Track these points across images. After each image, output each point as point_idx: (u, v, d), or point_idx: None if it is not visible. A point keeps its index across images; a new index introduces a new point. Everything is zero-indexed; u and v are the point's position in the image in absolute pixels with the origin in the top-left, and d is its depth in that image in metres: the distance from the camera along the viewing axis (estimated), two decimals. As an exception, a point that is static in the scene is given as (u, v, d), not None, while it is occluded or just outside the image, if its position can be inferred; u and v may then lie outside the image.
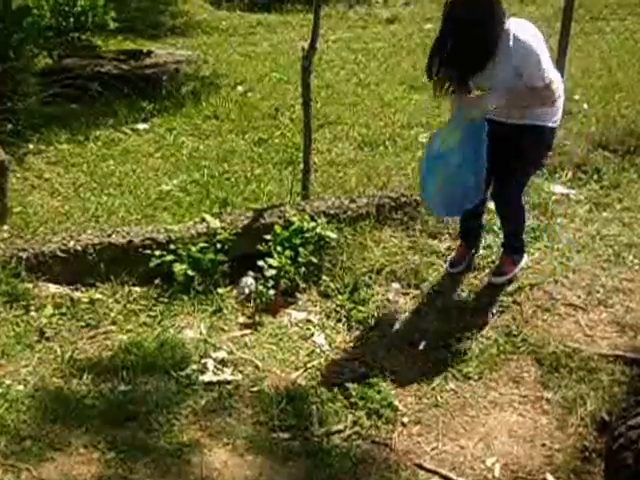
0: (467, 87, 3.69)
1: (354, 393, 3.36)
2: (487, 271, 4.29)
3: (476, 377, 3.48)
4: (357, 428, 3.19)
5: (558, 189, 5.24)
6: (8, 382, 3.33)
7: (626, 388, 3.35)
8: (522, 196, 4.01)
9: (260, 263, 4.07)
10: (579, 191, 5.25)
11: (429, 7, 12.62)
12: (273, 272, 4.06)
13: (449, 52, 3.47)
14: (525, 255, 4.15)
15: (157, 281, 4.09)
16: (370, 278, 4.15)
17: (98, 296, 3.99)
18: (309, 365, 3.55)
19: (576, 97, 7.03)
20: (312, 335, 3.77)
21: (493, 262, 4.35)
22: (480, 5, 3.46)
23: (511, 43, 3.45)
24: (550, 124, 3.75)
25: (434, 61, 3.55)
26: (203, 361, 3.55)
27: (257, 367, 3.54)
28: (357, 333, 3.82)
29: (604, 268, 4.30)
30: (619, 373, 3.45)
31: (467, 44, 3.42)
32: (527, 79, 3.51)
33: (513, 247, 4.10)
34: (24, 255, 4.03)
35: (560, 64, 5.47)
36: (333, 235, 4.26)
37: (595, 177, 5.41)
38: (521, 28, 3.52)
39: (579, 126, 6.29)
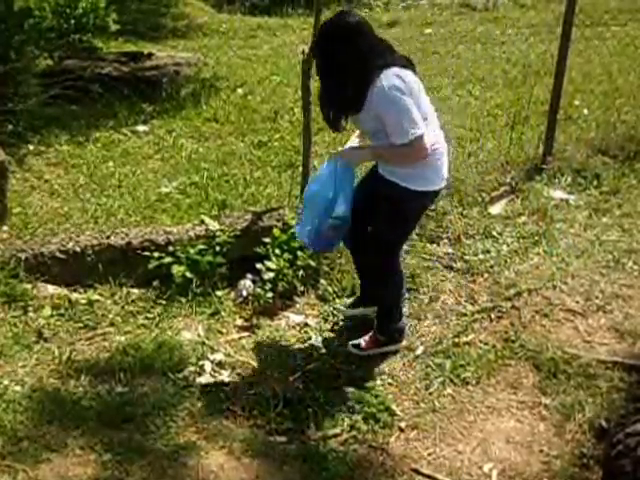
0: (339, 126, 3.44)
1: (351, 397, 3.36)
2: (486, 276, 4.29)
3: (474, 382, 3.48)
4: (354, 432, 3.18)
5: (557, 194, 5.24)
6: (5, 382, 3.32)
7: (625, 395, 3.35)
8: (391, 265, 3.58)
9: (258, 266, 4.07)
10: (578, 196, 5.26)
11: (429, 11, 12.65)
12: (271, 275, 4.06)
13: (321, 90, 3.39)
14: (401, 342, 3.68)
15: (155, 283, 4.08)
16: (369, 282, 4.14)
17: (96, 297, 3.98)
18: (306, 368, 3.54)
19: (576, 102, 7.05)
20: (310, 338, 3.76)
21: (492, 267, 4.35)
22: (346, 44, 3.23)
23: (376, 90, 3.18)
24: (412, 187, 3.36)
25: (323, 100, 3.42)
26: (200, 363, 3.55)
27: (254, 370, 3.54)
28: (355, 337, 3.80)
29: (603, 274, 4.30)
30: (618, 379, 3.45)
31: (329, 79, 3.31)
32: (388, 131, 3.23)
33: (380, 325, 3.66)
34: (23, 256, 4.03)
35: (560, 69, 5.49)
36: (332, 238, 4.25)
37: (595, 183, 5.42)
38: (393, 77, 3.19)
39: (579, 131, 6.30)
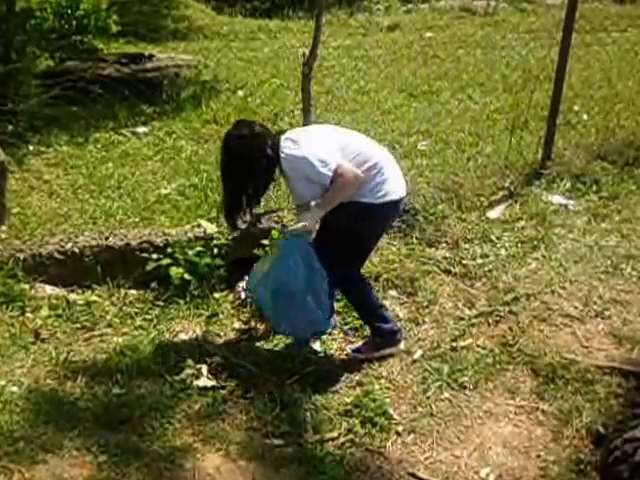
0: (235, 224, 3.63)
1: (349, 401, 3.35)
2: (484, 280, 4.29)
3: (471, 387, 3.47)
4: (351, 436, 3.18)
5: (556, 199, 5.24)
6: (2, 383, 3.31)
7: (622, 400, 3.34)
8: (359, 280, 3.66)
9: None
10: (577, 202, 5.26)
11: (430, 15, 12.68)
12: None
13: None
14: (399, 345, 3.68)
15: (153, 284, 4.08)
16: (367, 285, 4.13)
17: (94, 298, 3.98)
18: (304, 372, 3.54)
19: (576, 108, 7.06)
20: (308, 342, 3.76)
21: (490, 271, 4.35)
22: (240, 142, 3.43)
23: (283, 162, 3.39)
24: (365, 200, 3.43)
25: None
26: (198, 366, 3.54)
27: (252, 373, 3.53)
28: (353, 340, 3.80)
29: (602, 279, 4.30)
30: (615, 385, 3.44)
31: (226, 185, 3.52)
32: (318, 180, 3.36)
33: (375, 330, 3.69)
34: (21, 256, 4.03)
35: (560, 75, 5.49)
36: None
37: (594, 188, 5.42)
38: (286, 142, 3.42)
39: (578, 137, 6.30)
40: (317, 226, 3.53)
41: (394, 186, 3.50)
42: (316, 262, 3.49)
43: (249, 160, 3.42)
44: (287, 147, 3.41)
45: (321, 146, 3.40)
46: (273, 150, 3.42)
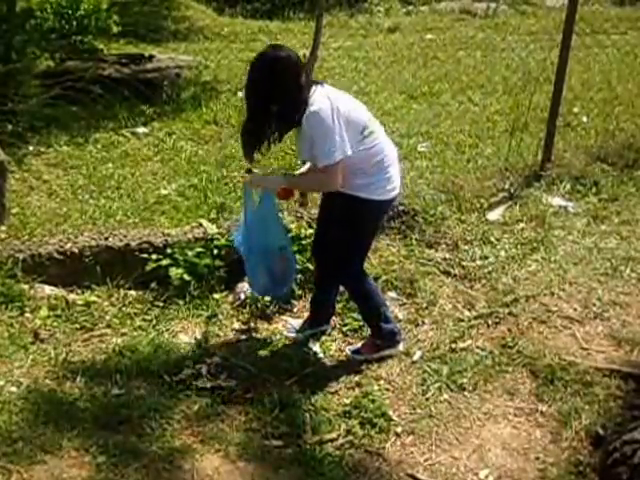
0: (251, 157, 3.46)
1: (348, 402, 3.35)
2: (483, 282, 4.29)
3: (471, 388, 3.47)
4: (350, 437, 3.17)
5: (556, 201, 5.25)
6: (1, 383, 3.31)
7: (621, 402, 3.34)
8: (361, 276, 3.63)
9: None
10: (577, 204, 5.26)
11: (430, 17, 12.68)
12: (269, 278, 4.05)
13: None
14: (398, 346, 3.68)
15: (153, 285, 4.08)
16: (366, 286, 4.13)
17: (94, 299, 3.98)
18: (303, 373, 3.53)
19: (576, 110, 7.07)
20: (307, 342, 3.76)
21: (489, 273, 4.35)
22: (268, 66, 3.26)
23: (307, 112, 3.21)
24: (363, 195, 3.37)
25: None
26: (197, 366, 3.54)
27: (251, 374, 3.53)
28: (352, 342, 3.80)
29: (601, 281, 4.30)
30: (615, 387, 3.44)
31: (252, 105, 3.33)
32: (315, 154, 3.27)
33: (375, 331, 3.68)
34: (21, 256, 4.02)
35: (560, 77, 5.50)
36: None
37: (593, 190, 5.43)
38: (317, 100, 3.24)
39: (578, 139, 6.31)
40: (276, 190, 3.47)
41: (395, 183, 3.48)
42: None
43: (281, 80, 3.23)
44: (319, 103, 3.22)
45: (343, 130, 3.22)
46: (302, 89, 3.25)
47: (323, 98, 3.25)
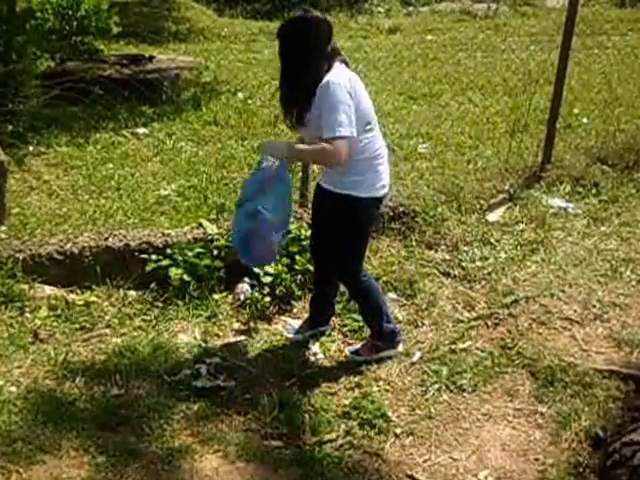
0: (291, 123, 3.40)
1: (347, 402, 3.35)
2: (483, 283, 4.29)
3: (470, 389, 3.47)
4: (349, 438, 3.17)
5: (556, 202, 5.25)
6: (1, 383, 3.31)
7: (621, 404, 3.34)
8: (361, 275, 3.59)
9: (256, 270, 4.06)
10: (577, 205, 5.26)
11: (430, 18, 12.70)
12: (269, 279, 4.06)
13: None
14: (398, 347, 3.68)
15: (153, 285, 4.08)
16: (366, 287, 4.13)
17: (93, 299, 3.98)
18: (303, 373, 3.53)
19: (576, 111, 7.07)
20: (307, 343, 3.76)
21: (489, 274, 4.35)
22: (298, 42, 3.26)
23: (322, 84, 3.18)
24: (358, 194, 3.36)
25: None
26: (197, 366, 3.54)
27: (250, 374, 3.53)
28: (352, 342, 3.80)
29: (601, 282, 4.31)
30: (614, 389, 3.44)
31: (284, 74, 3.32)
32: (321, 124, 3.18)
33: (375, 332, 3.67)
34: (20, 256, 4.02)
35: (560, 78, 5.50)
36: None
37: (593, 191, 5.43)
38: (340, 75, 3.22)
39: (578, 140, 6.31)
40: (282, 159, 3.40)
41: (384, 181, 3.46)
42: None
43: (321, 37, 3.24)
44: (337, 76, 3.19)
45: (352, 110, 3.19)
46: (328, 57, 3.24)
47: (343, 73, 3.25)
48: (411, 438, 3.20)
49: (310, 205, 4.64)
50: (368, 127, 3.33)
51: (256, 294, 4.03)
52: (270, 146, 3.52)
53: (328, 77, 3.19)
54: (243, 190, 3.54)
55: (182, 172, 5.70)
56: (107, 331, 3.80)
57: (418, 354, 3.70)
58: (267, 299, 4.02)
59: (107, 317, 3.88)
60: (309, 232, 4.18)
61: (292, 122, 3.38)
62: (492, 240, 4.70)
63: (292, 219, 3.75)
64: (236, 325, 3.92)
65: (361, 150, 3.32)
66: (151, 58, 8.16)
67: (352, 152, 3.24)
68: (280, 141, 3.56)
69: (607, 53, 9.79)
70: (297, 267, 4.12)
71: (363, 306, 3.71)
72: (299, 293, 4.12)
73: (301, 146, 3.38)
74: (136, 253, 4.13)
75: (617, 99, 7.51)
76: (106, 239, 4.20)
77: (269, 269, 4.06)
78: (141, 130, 6.63)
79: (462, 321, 3.96)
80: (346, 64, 3.35)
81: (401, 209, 4.77)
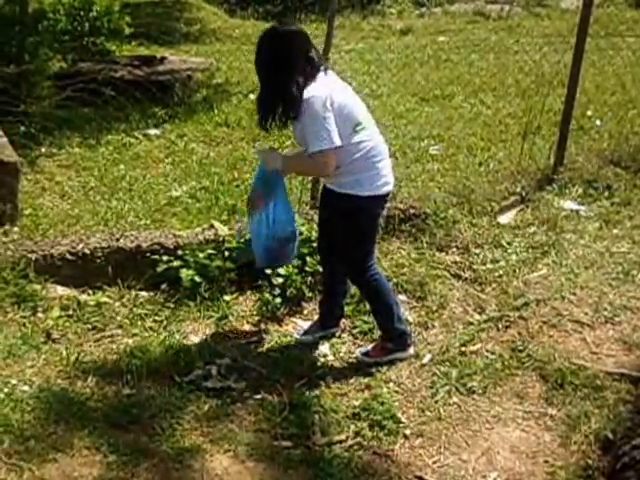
0: (263, 127, 3.47)
1: (357, 404, 3.36)
2: (494, 285, 4.28)
3: (480, 391, 3.47)
4: (359, 439, 3.18)
5: (568, 205, 5.23)
6: (14, 382, 3.34)
7: (631, 407, 3.33)
8: (371, 275, 3.58)
9: (267, 271, 4.07)
10: (589, 207, 5.24)
11: (443, 19, 12.69)
12: (280, 281, 4.06)
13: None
14: (409, 350, 3.67)
15: (164, 286, 4.10)
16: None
17: (105, 299, 4.00)
18: (313, 374, 3.54)
19: (589, 113, 7.04)
20: (317, 345, 3.77)
21: (500, 277, 4.34)
22: (277, 43, 3.28)
23: (305, 97, 3.22)
24: (362, 193, 3.38)
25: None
26: (207, 367, 3.56)
27: (261, 375, 3.54)
28: (362, 344, 3.81)
29: (612, 285, 4.29)
30: (625, 392, 3.43)
31: (261, 82, 3.37)
32: (306, 138, 3.27)
33: (386, 333, 3.67)
34: (33, 257, 4.05)
35: (573, 80, 5.48)
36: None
37: (606, 194, 5.41)
38: (317, 86, 3.25)
39: (591, 142, 6.29)
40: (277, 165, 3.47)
41: (386, 178, 3.47)
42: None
43: (292, 52, 3.25)
44: (314, 90, 3.23)
45: (333, 121, 3.23)
46: (312, 67, 3.28)
47: (320, 86, 3.27)
48: (421, 439, 3.20)
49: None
50: (358, 127, 3.34)
51: (267, 296, 4.04)
52: (265, 155, 3.57)
53: (307, 91, 3.23)
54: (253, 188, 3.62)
55: (193, 173, 5.73)
56: (119, 331, 3.82)
57: (428, 356, 3.70)
58: (278, 300, 4.03)
59: (119, 318, 3.91)
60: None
61: (264, 126, 3.44)
62: (503, 242, 4.69)
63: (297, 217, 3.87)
64: (247, 326, 3.93)
65: (355, 150, 3.34)
66: (163, 59, 8.20)
67: (345, 155, 3.30)
68: (277, 152, 3.58)
69: (621, 55, 9.72)
70: (308, 269, 4.13)
71: (374, 305, 3.70)
72: (310, 295, 4.13)
73: (294, 161, 3.45)
74: (147, 254, 4.15)
75: (631, 101, 7.47)
76: (118, 240, 4.23)
77: (280, 270, 4.07)
78: (153, 131, 6.66)
79: (472, 323, 3.95)
80: (327, 70, 3.37)
81: (412, 211, 4.76)
